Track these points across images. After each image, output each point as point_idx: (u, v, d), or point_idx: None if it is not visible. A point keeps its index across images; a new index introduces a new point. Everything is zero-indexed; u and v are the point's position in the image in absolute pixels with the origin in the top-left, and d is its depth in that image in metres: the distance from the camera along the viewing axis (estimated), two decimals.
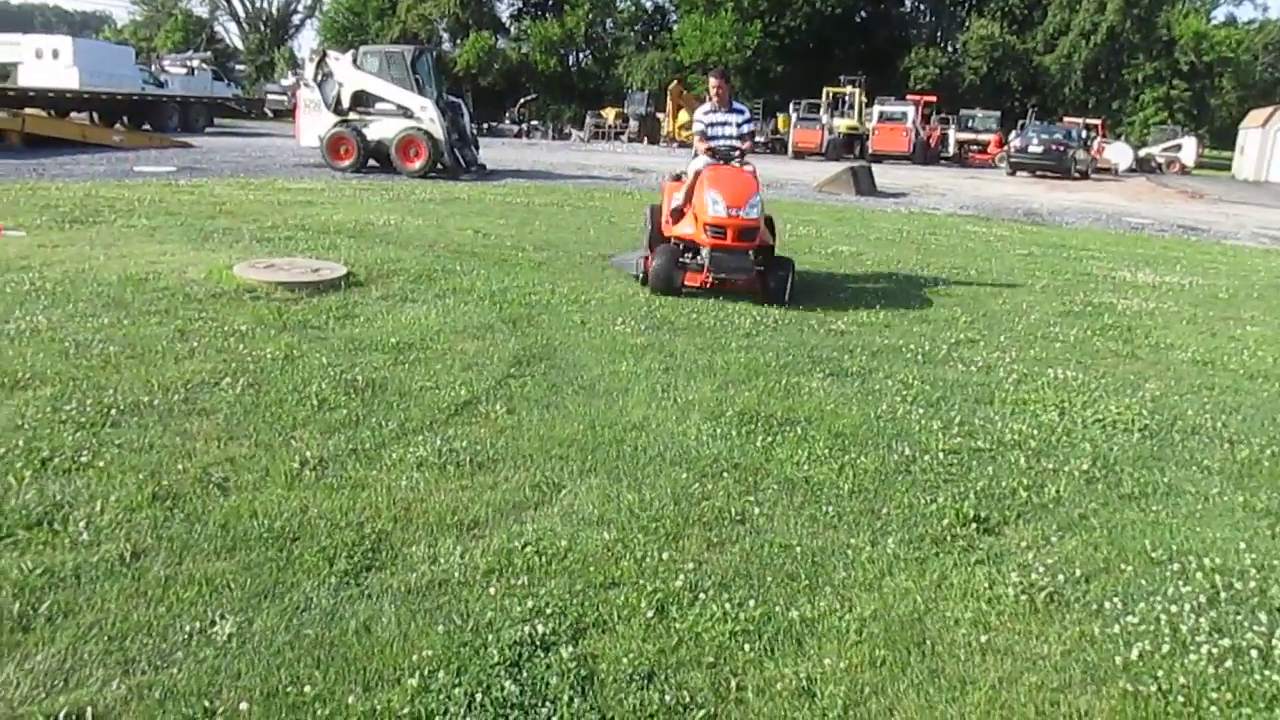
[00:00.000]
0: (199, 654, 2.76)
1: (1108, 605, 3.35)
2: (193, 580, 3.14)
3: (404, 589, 3.17)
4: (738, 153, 8.40)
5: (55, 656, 2.71)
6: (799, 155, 37.69)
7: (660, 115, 45.62)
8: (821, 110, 40.19)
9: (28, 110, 23.28)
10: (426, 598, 3.13)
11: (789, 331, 7.07)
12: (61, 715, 2.47)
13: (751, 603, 3.20)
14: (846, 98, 40.56)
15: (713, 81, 8.74)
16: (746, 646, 2.96)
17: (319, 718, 2.52)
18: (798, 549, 3.63)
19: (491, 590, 3.19)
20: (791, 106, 40.96)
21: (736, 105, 8.70)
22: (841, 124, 38.65)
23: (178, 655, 2.75)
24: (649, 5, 60.79)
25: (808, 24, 53.02)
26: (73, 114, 28.16)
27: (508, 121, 47.66)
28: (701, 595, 3.24)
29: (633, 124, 46.31)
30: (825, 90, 40.97)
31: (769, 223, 8.61)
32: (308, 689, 2.62)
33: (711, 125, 8.52)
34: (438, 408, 4.95)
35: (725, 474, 4.31)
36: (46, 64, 30.39)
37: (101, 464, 3.98)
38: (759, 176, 8.37)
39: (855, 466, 4.48)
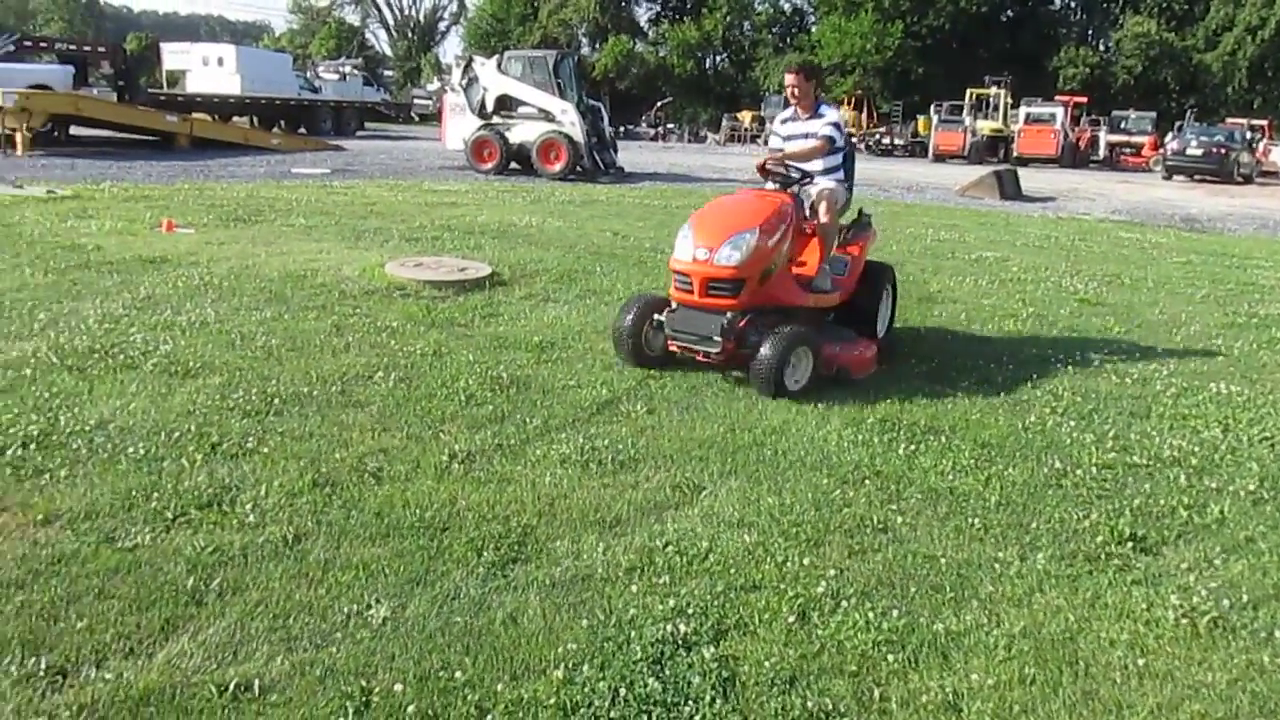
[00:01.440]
0: (356, 635, 2.88)
1: (1279, 634, 3.17)
2: (350, 564, 3.28)
3: (549, 582, 3.24)
4: (802, 175, 5.98)
5: (225, 630, 2.86)
6: (940, 158, 36.95)
7: None
8: (964, 112, 39.15)
9: (195, 114, 24.83)
10: (571, 592, 3.19)
11: (933, 338, 6.91)
12: (231, 686, 2.60)
13: (895, 613, 3.15)
14: (991, 99, 39.34)
15: (789, 79, 6.25)
16: (890, 657, 2.91)
17: (469, 703, 2.60)
18: (942, 560, 3.55)
19: (634, 588, 3.23)
20: (933, 108, 40.07)
21: (822, 109, 6.22)
22: (985, 126, 37.60)
23: (336, 635, 2.88)
24: (787, 7, 60.44)
25: (951, 23, 51.67)
26: (235, 118, 29.91)
27: (644, 125, 48.04)
28: (844, 603, 3.20)
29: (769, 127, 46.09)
30: (969, 91, 39.86)
31: (878, 275, 6.44)
32: (458, 675, 2.71)
33: (789, 139, 6.30)
34: (579, 406, 5.04)
35: (866, 481, 4.25)
36: (212, 71, 32.11)
37: (266, 450, 4.20)
38: (833, 205, 6.00)
39: (1002, 478, 4.36)
